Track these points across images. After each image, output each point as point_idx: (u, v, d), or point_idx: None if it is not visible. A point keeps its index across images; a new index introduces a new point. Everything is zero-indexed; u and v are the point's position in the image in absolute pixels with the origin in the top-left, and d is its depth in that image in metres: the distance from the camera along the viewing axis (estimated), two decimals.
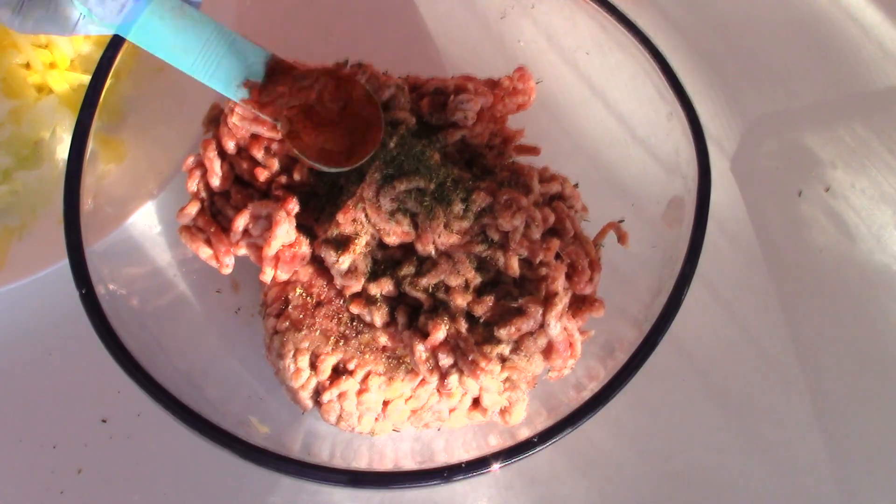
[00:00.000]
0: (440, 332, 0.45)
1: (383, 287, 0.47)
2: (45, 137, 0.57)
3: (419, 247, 0.47)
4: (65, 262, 0.45)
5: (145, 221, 0.54)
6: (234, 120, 0.48)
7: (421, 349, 0.45)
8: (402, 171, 0.46)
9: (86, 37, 0.59)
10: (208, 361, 0.51)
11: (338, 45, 0.48)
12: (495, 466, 0.42)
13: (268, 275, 0.48)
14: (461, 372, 0.45)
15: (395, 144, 0.47)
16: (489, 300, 0.46)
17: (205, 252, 0.49)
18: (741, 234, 0.63)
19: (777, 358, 0.60)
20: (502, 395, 0.47)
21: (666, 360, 0.58)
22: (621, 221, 0.51)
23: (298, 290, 0.50)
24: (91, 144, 0.47)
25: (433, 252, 0.47)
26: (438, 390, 0.48)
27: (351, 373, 0.47)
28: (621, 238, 0.50)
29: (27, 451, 0.53)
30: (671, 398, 0.58)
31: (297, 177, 0.50)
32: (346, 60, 0.51)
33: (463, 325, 0.45)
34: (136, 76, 0.57)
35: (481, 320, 0.46)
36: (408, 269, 0.47)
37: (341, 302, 0.50)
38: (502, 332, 0.44)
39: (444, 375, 0.45)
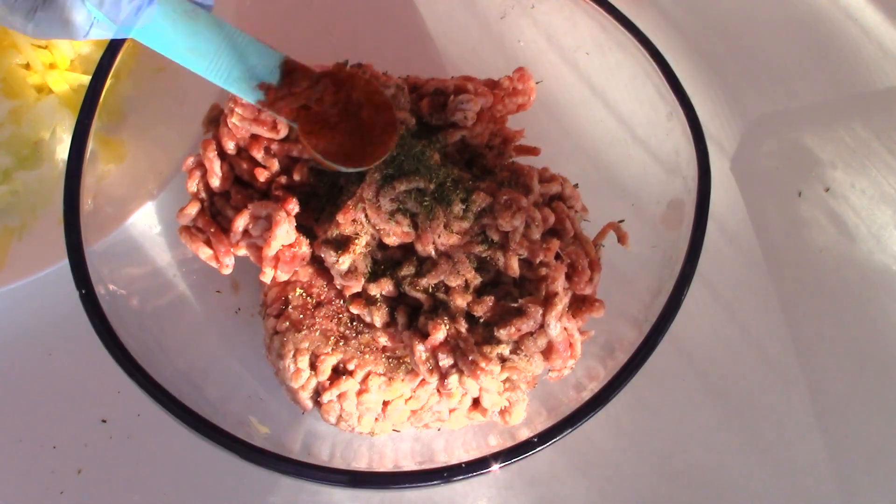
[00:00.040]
0: (440, 333, 0.45)
1: (383, 287, 0.47)
2: (45, 137, 0.57)
3: (419, 247, 0.47)
4: (65, 262, 0.45)
5: (145, 221, 0.54)
6: (233, 120, 0.48)
7: (421, 349, 0.45)
8: (402, 172, 0.46)
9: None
10: (208, 361, 0.52)
11: (338, 45, 0.48)
12: (495, 466, 0.42)
13: (268, 275, 0.48)
14: (461, 372, 0.45)
15: (395, 145, 0.47)
16: (489, 300, 0.46)
17: (205, 252, 0.49)
18: (741, 234, 0.63)
19: (777, 358, 0.60)
20: (502, 395, 0.47)
21: (666, 360, 0.58)
22: (621, 221, 0.51)
23: (298, 291, 0.50)
24: (91, 144, 0.47)
25: (433, 252, 0.47)
26: (438, 391, 0.48)
27: (351, 373, 0.47)
28: (621, 238, 0.50)
29: (27, 451, 0.53)
30: (671, 398, 0.58)
31: (296, 177, 0.50)
32: (345, 61, 0.51)
33: (463, 326, 0.45)
34: (136, 76, 0.57)
35: (481, 320, 0.46)
36: (408, 270, 0.47)
37: (341, 302, 0.50)
38: (502, 333, 0.44)
39: (444, 376, 0.45)
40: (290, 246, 0.48)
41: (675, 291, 0.47)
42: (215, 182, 0.50)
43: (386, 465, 0.49)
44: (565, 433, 0.44)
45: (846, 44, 0.70)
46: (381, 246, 0.48)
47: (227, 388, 0.51)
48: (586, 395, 0.45)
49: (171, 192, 0.54)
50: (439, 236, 0.46)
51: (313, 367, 0.48)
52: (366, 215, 0.46)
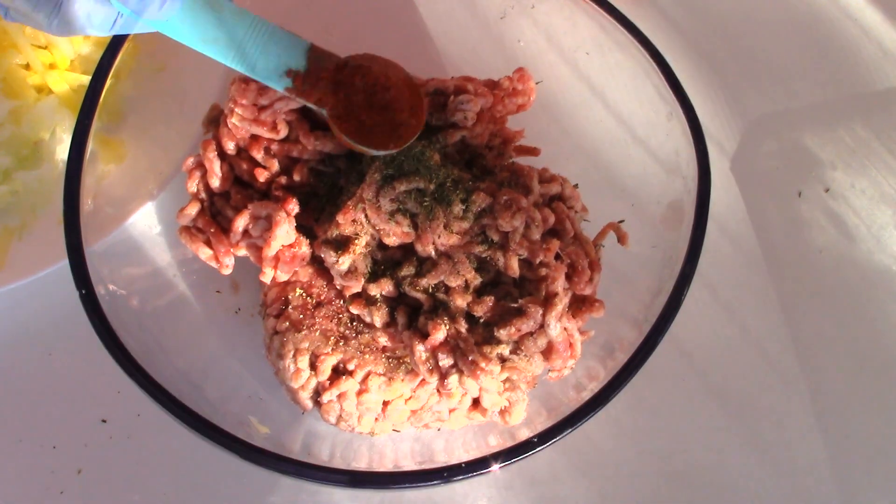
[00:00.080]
0: (440, 333, 0.45)
1: (383, 287, 0.47)
2: (45, 137, 0.57)
3: (419, 247, 0.47)
4: (65, 262, 0.45)
5: (145, 221, 0.54)
6: (233, 120, 0.48)
7: (421, 349, 0.45)
8: (402, 172, 0.46)
9: (86, 37, 0.59)
10: (208, 361, 0.52)
11: (338, 45, 0.48)
12: (495, 466, 0.42)
13: (268, 275, 0.48)
14: (461, 372, 0.45)
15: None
16: (489, 300, 0.46)
17: (205, 252, 0.49)
18: (741, 234, 0.63)
19: (777, 358, 0.60)
20: (502, 395, 0.47)
21: (666, 360, 0.58)
22: (621, 222, 0.51)
23: (298, 291, 0.50)
24: (91, 144, 0.47)
25: (433, 252, 0.47)
26: (438, 391, 0.48)
27: (351, 373, 0.47)
28: (621, 238, 0.50)
29: (27, 451, 0.53)
30: (671, 398, 0.58)
31: (296, 177, 0.50)
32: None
33: (463, 326, 0.45)
34: (136, 76, 0.57)
35: (481, 321, 0.46)
36: (408, 270, 0.47)
37: (341, 302, 0.50)
38: (502, 333, 0.44)
39: (444, 376, 0.45)
40: (290, 246, 0.48)
41: (675, 291, 0.47)
42: (215, 182, 0.50)
43: (386, 465, 0.49)
44: (565, 433, 0.44)
45: (846, 44, 0.70)
46: (381, 246, 0.48)
47: (227, 388, 0.51)
48: (586, 395, 0.45)
49: (171, 192, 0.54)
50: (439, 236, 0.46)
51: (313, 367, 0.48)
52: (366, 215, 0.46)
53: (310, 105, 0.47)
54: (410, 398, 0.48)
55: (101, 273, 0.46)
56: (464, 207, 0.46)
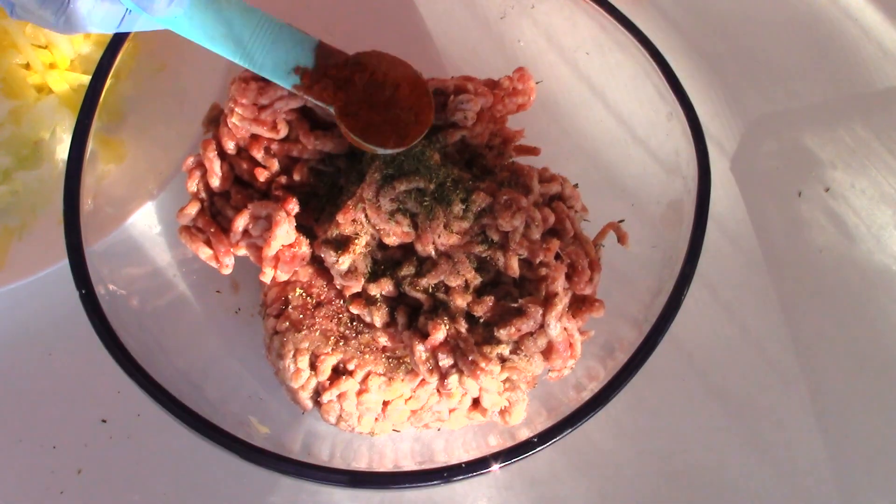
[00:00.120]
0: (440, 333, 0.45)
1: (383, 287, 0.47)
2: (45, 137, 0.57)
3: (419, 247, 0.47)
4: (65, 262, 0.45)
5: (145, 221, 0.54)
6: (233, 120, 0.48)
7: (421, 349, 0.45)
8: (402, 172, 0.46)
9: (86, 36, 0.59)
10: (208, 361, 0.52)
11: (338, 45, 0.48)
12: (495, 466, 0.42)
13: (268, 275, 0.48)
14: (461, 372, 0.45)
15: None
16: (489, 300, 0.46)
17: (205, 252, 0.49)
18: (741, 234, 0.63)
19: (777, 358, 0.60)
20: (502, 395, 0.47)
21: (666, 360, 0.58)
22: (621, 221, 0.51)
23: (298, 291, 0.50)
24: (91, 144, 0.47)
25: (433, 252, 0.47)
26: (438, 391, 0.48)
27: (351, 373, 0.47)
28: (621, 238, 0.50)
29: (27, 451, 0.53)
30: (671, 398, 0.58)
31: (296, 177, 0.50)
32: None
33: (463, 326, 0.45)
34: (136, 76, 0.57)
35: (481, 321, 0.46)
36: (408, 270, 0.47)
37: (341, 302, 0.50)
38: (502, 333, 0.44)
39: (444, 376, 0.45)
40: (290, 246, 0.48)
41: (675, 291, 0.47)
42: (215, 182, 0.50)
43: (386, 465, 0.49)
44: (565, 433, 0.44)
45: (846, 44, 0.70)
46: (381, 246, 0.48)
47: (227, 388, 0.51)
48: (586, 395, 0.45)
49: (171, 192, 0.54)
50: (439, 236, 0.46)
51: (313, 367, 0.48)
52: (366, 215, 0.46)
53: (317, 102, 0.47)
54: (410, 398, 0.48)
55: (101, 273, 0.46)
56: (464, 207, 0.46)
